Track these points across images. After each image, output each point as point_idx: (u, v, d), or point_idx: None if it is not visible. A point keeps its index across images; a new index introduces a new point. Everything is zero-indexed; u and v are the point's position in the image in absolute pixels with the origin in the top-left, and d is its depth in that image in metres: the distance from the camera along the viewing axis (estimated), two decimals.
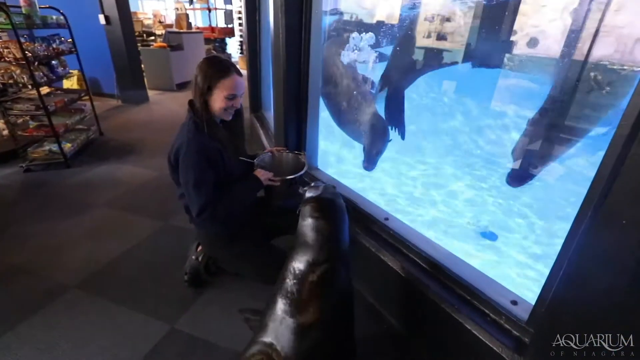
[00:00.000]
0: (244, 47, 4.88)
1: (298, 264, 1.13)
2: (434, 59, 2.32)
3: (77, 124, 3.58)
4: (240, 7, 7.68)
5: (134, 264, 1.97)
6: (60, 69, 3.46)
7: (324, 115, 2.39)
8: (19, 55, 2.79)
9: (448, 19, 2.33)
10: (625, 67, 1.35)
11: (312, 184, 1.29)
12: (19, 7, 2.96)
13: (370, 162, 2.21)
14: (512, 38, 1.84)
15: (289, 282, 1.13)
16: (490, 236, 2.31)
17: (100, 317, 1.62)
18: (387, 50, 2.50)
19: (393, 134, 2.32)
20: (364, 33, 2.42)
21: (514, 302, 1.16)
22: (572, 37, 1.46)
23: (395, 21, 2.51)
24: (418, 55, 2.37)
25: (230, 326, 1.55)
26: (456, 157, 3.46)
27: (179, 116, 1.43)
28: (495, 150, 3.31)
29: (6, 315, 1.61)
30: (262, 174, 1.57)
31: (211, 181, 1.43)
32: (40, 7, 3.18)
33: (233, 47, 10.31)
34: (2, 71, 2.96)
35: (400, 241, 1.56)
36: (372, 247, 1.59)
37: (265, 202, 1.77)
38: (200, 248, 1.80)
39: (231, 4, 10.55)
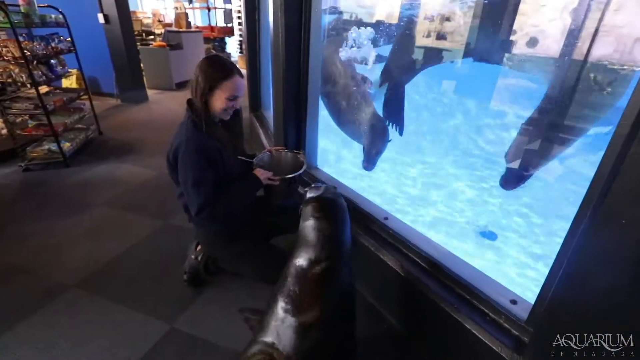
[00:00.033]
0: (244, 47, 4.87)
1: (299, 263, 1.13)
2: (434, 56, 2.32)
3: (76, 123, 3.57)
4: (240, 6, 7.67)
5: (133, 263, 1.97)
6: (59, 68, 3.45)
7: (323, 114, 2.39)
8: (17, 54, 2.79)
9: (448, 19, 2.33)
10: (625, 67, 1.35)
11: (313, 185, 1.29)
12: (18, 5, 2.95)
13: (370, 162, 2.22)
14: (512, 37, 1.84)
15: (290, 281, 1.13)
16: (490, 236, 2.31)
17: (99, 316, 1.61)
18: (386, 49, 2.50)
19: (391, 130, 2.31)
20: (363, 28, 2.42)
21: (514, 302, 1.16)
22: (572, 37, 1.46)
23: (394, 20, 2.51)
24: (417, 54, 2.37)
25: (230, 326, 1.55)
26: (456, 157, 3.46)
27: (178, 115, 1.43)
28: (496, 150, 3.31)
29: (5, 314, 1.61)
30: (262, 174, 1.56)
31: (210, 180, 1.43)
32: (39, 6, 3.17)
33: (232, 46, 10.30)
34: (1, 70, 2.95)
35: (399, 241, 1.56)
36: (371, 246, 1.59)
37: (265, 202, 1.77)
38: (199, 247, 1.80)
39: (230, 3, 10.54)
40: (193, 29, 8.25)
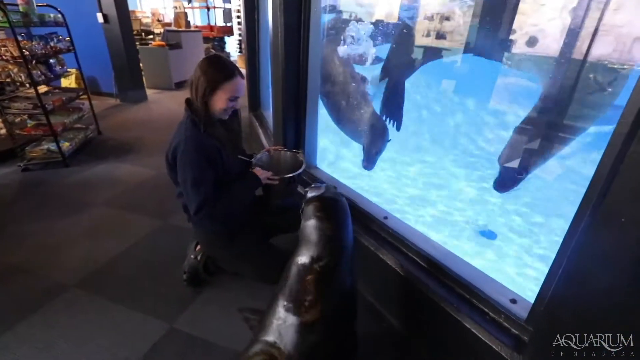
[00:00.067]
0: (243, 46, 4.87)
1: (301, 262, 1.13)
2: (433, 53, 2.33)
3: (75, 123, 3.57)
4: (239, 5, 7.66)
5: (132, 263, 1.96)
6: (58, 68, 3.44)
7: (323, 113, 2.39)
8: (16, 53, 2.78)
9: (447, 18, 2.33)
10: (625, 66, 1.35)
11: (313, 185, 1.29)
12: (17, 5, 2.95)
13: (369, 161, 2.22)
14: (511, 37, 1.84)
15: (292, 280, 1.13)
16: (490, 235, 2.31)
17: (99, 316, 1.61)
18: (385, 48, 2.50)
19: (388, 125, 2.31)
20: (361, 23, 2.42)
21: (513, 301, 1.16)
22: (571, 36, 1.46)
23: (394, 19, 2.51)
24: (417, 53, 2.37)
25: (230, 325, 1.55)
26: (456, 157, 3.46)
27: (177, 115, 1.43)
28: (496, 149, 3.31)
29: (5, 314, 1.60)
30: (261, 173, 1.56)
31: (210, 180, 1.43)
32: (37, 5, 3.17)
33: (232, 45, 10.30)
34: (0, 70, 2.94)
35: (399, 240, 1.56)
36: (371, 246, 1.59)
37: (264, 201, 1.77)
38: (198, 247, 1.80)
39: (230, 2, 10.53)
40: (192, 29, 8.24)
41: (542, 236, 2.29)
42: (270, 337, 1.12)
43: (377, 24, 2.52)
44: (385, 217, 1.68)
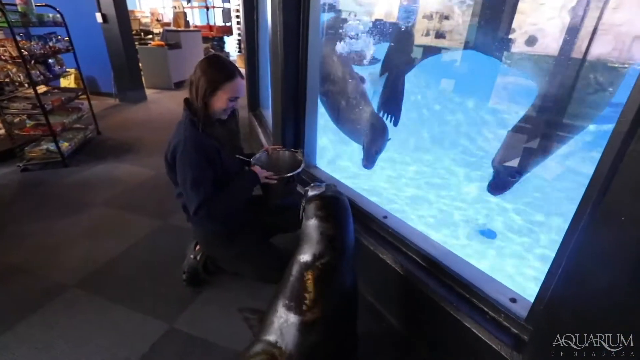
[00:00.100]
0: (242, 46, 4.86)
1: (303, 260, 1.13)
2: (432, 50, 2.33)
3: (75, 123, 3.56)
4: (238, 5, 7.65)
5: (132, 263, 1.96)
6: (57, 68, 3.43)
7: (322, 112, 2.38)
8: (15, 53, 2.77)
9: (447, 17, 2.32)
10: (625, 65, 1.35)
11: (313, 184, 1.29)
12: (15, 5, 2.94)
13: (369, 160, 2.22)
14: (511, 36, 1.84)
15: (293, 278, 1.13)
16: (489, 234, 2.31)
17: (98, 316, 1.61)
18: (384, 47, 2.50)
19: (386, 120, 2.31)
20: (359, 21, 2.42)
21: (513, 300, 1.16)
22: (571, 35, 1.46)
23: (393, 19, 2.51)
24: (416, 52, 2.37)
25: (229, 325, 1.55)
26: (456, 156, 3.46)
27: (176, 115, 1.43)
28: (495, 148, 3.31)
29: (4, 314, 1.60)
30: (260, 171, 1.56)
31: (209, 179, 1.42)
32: (36, 5, 3.16)
33: (231, 45, 10.29)
34: None
35: (399, 239, 1.56)
36: (370, 245, 1.59)
37: (263, 201, 1.77)
38: (198, 247, 1.80)
39: (229, 2, 10.51)
40: (191, 28, 8.23)
41: (542, 235, 2.29)
42: (271, 337, 1.12)
43: (376, 22, 2.52)
44: (385, 217, 1.68)
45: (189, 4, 10.13)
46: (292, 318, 1.09)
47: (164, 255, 1.99)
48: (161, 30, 7.22)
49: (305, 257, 1.13)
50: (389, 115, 2.33)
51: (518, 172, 1.63)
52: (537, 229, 2.36)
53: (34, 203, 2.58)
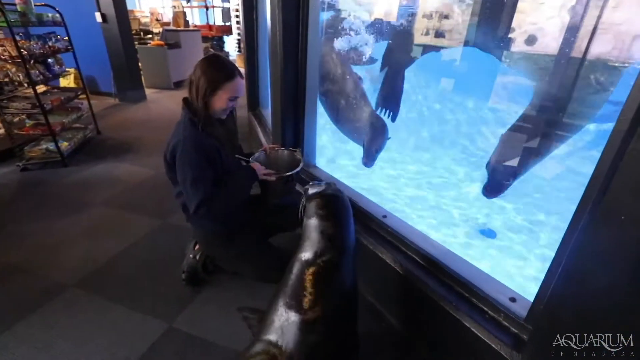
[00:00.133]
0: (242, 45, 4.86)
1: (305, 258, 1.13)
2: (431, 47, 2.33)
3: (74, 123, 3.56)
4: (238, 4, 7.65)
5: (131, 262, 1.96)
6: (56, 67, 3.43)
7: (321, 111, 2.38)
8: (14, 53, 2.77)
9: (446, 16, 2.32)
10: (625, 64, 1.35)
11: (312, 183, 1.29)
12: (14, 4, 2.94)
13: (369, 158, 2.22)
14: (511, 35, 1.84)
15: (294, 277, 1.12)
16: (489, 234, 2.31)
17: (98, 315, 1.61)
18: (382, 46, 2.50)
19: (384, 116, 2.30)
20: (358, 19, 2.42)
21: (513, 299, 1.15)
22: (571, 34, 1.46)
23: (392, 18, 2.51)
24: (416, 51, 2.37)
25: (229, 325, 1.55)
26: (456, 155, 3.46)
27: (176, 114, 1.43)
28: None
29: (3, 314, 1.60)
30: (258, 167, 1.56)
31: (209, 178, 1.42)
32: (35, 5, 3.15)
33: (231, 45, 10.28)
34: None
35: (398, 239, 1.56)
36: (370, 244, 1.59)
37: (262, 201, 1.77)
38: (197, 247, 1.79)
39: (229, 1, 10.50)
40: (191, 28, 8.22)
41: (542, 235, 2.29)
42: (272, 336, 1.12)
43: (375, 21, 2.52)
44: (385, 216, 1.68)
45: (189, 4, 10.12)
46: (293, 317, 1.09)
47: (163, 255, 1.99)
48: (161, 29, 7.21)
49: (306, 255, 1.13)
50: (387, 111, 2.32)
51: (512, 175, 1.65)
52: (537, 229, 2.36)
53: (33, 203, 2.58)
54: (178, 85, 6.33)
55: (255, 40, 3.55)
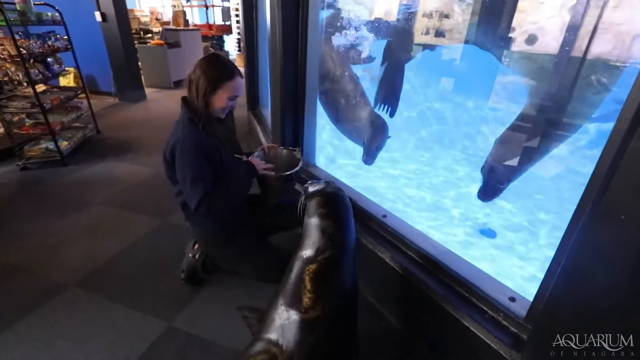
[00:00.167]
0: (242, 44, 4.85)
1: (304, 256, 1.13)
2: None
3: (74, 122, 3.56)
4: (238, 3, 7.64)
5: (131, 262, 1.96)
6: (55, 67, 3.43)
7: (320, 111, 2.38)
8: (13, 52, 2.77)
9: (447, 16, 2.32)
10: (626, 64, 1.35)
11: (310, 181, 1.29)
12: (14, 3, 2.93)
13: (370, 156, 2.21)
14: (511, 35, 1.84)
15: (295, 274, 1.12)
16: (489, 233, 2.31)
17: (97, 315, 1.61)
18: (381, 44, 2.49)
19: (382, 112, 2.29)
20: (358, 17, 2.42)
21: (512, 299, 1.15)
22: (571, 34, 1.46)
23: (393, 18, 2.50)
24: (416, 50, 2.36)
25: (228, 324, 1.55)
26: (456, 155, 3.46)
27: (176, 114, 1.43)
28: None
29: (3, 314, 1.60)
30: (257, 162, 1.56)
31: (209, 176, 1.42)
32: (35, 4, 3.15)
33: (231, 44, 10.27)
34: None
35: (398, 238, 1.56)
36: (369, 244, 1.59)
37: (262, 200, 1.77)
38: (197, 246, 1.79)
39: (228, 0, 10.49)
40: (191, 27, 8.22)
41: (542, 234, 2.29)
42: (272, 335, 1.11)
43: (374, 20, 2.52)
44: (384, 216, 1.67)
45: (189, 3, 10.11)
46: (294, 315, 1.08)
47: (163, 254, 1.99)
48: (160, 29, 7.20)
49: (307, 252, 1.13)
50: (386, 106, 2.31)
51: (507, 179, 1.67)
52: (537, 228, 2.36)
53: (33, 202, 2.57)
54: (178, 84, 6.32)
55: (255, 40, 3.55)
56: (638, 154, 0.68)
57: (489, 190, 1.73)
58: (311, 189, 1.23)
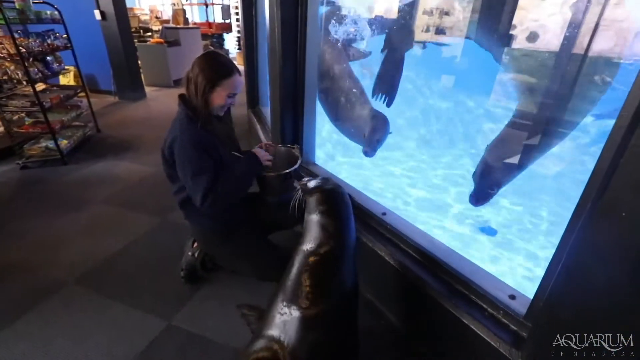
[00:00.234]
0: (241, 43, 4.84)
1: (305, 249, 1.13)
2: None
3: (74, 121, 3.55)
4: (238, 1, 7.62)
5: (131, 260, 1.96)
6: (55, 65, 3.42)
7: (320, 110, 2.37)
8: (13, 51, 2.76)
9: (447, 13, 2.30)
10: (627, 61, 1.34)
11: (307, 178, 1.28)
12: (13, 2, 2.92)
13: (371, 147, 2.17)
14: (512, 32, 1.82)
15: (295, 270, 1.12)
16: (490, 231, 2.30)
17: (97, 313, 1.61)
18: (379, 41, 2.47)
19: (379, 102, 2.28)
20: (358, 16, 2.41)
21: (512, 297, 1.15)
22: (572, 31, 1.45)
23: (393, 15, 2.49)
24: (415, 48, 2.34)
25: (227, 322, 1.55)
26: (456, 153, 3.45)
27: (176, 112, 1.45)
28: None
29: (3, 312, 1.60)
30: (262, 155, 1.55)
31: (210, 169, 1.40)
32: (34, 2, 3.15)
33: (231, 42, 10.25)
34: None
35: (398, 236, 1.55)
36: (369, 242, 1.58)
37: (261, 199, 1.76)
38: (196, 244, 1.79)
39: None
40: (191, 26, 8.20)
41: (542, 232, 2.29)
42: (274, 332, 1.11)
43: (375, 18, 2.50)
44: (384, 213, 1.67)
45: (188, 1, 10.10)
46: (295, 311, 1.08)
47: (162, 253, 1.99)
48: (160, 27, 7.18)
49: (308, 246, 1.13)
50: (383, 95, 2.29)
51: (497, 185, 1.70)
52: (537, 226, 2.36)
53: (33, 201, 2.58)
54: (178, 83, 6.32)
55: (254, 38, 3.53)
56: (638, 151, 0.68)
57: (480, 195, 1.76)
58: (310, 185, 1.22)
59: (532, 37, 1.72)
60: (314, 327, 1.08)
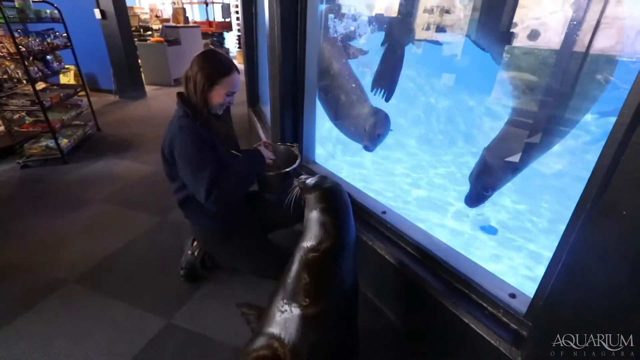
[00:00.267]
0: (241, 41, 4.83)
1: (305, 246, 1.12)
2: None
3: (74, 120, 3.55)
4: (238, 0, 7.60)
5: (131, 259, 1.96)
6: (55, 64, 3.42)
7: (319, 110, 2.36)
8: (12, 50, 2.76)
9: (447, 11, 2.29)
10: (630, 59, 1.33)
11: (304, 176, 1.28)
12: (12, 0, 2.92)
13: (371, 142, 2.15)
14: (513, 30, 1.82)
15: (295, 268, 1.12)
16: (490, 230, 2.30)
17: (97, 312, 1.61)
18: (378, 38, 2.46)
19: (378, 97, 2.27)
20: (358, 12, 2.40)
21: (512, 295, 1.15)
22: (573, 29, 1.44)
23: (394, 14, 2.47)
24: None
25: (227, 321, 1.55)
26: (456, 152, 3.45)
27: (174, 111, 1.45)
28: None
29: (3, 310, 1.60)
30: (267, 153, 1.55)
31: (211, 163, 1.38)
32: (33, 1, 3.15)
33: (231, 41, 10.25)
34: None
35: (397, 235, 1.55)
36: (369, 240, 1.58)
37: (260, 198, 1.76)
38: (195, 243, 1.79)
39: None
40: (191, 25, 8.19)
41: (542, 231, 2.28)
42: (274, 329, 1.11)
43: (376, 16, 2.49)
44: (384, 212, 1.67)
45: (189, 0, 10.07)
46: (295, 309, 1.08)
47: (162, 252, 1.99)
48: (160, 26, 7.18)
49: (308, 243, 1.13)
50: (382, 90, 2.27)
51: (492, 188, 1.71)
52: (537, 225, 2.35)
53: (33, 200, 2.58)
54: (178, 81, 6.31)
55: (254, 36, 3.53)
56: (639, 149, 0.67)
57: (475, 196, 1.77)
58: (309, 183, 1.22)
59: (533, 35, 1.71)
60: (314, 326, 1.08)
